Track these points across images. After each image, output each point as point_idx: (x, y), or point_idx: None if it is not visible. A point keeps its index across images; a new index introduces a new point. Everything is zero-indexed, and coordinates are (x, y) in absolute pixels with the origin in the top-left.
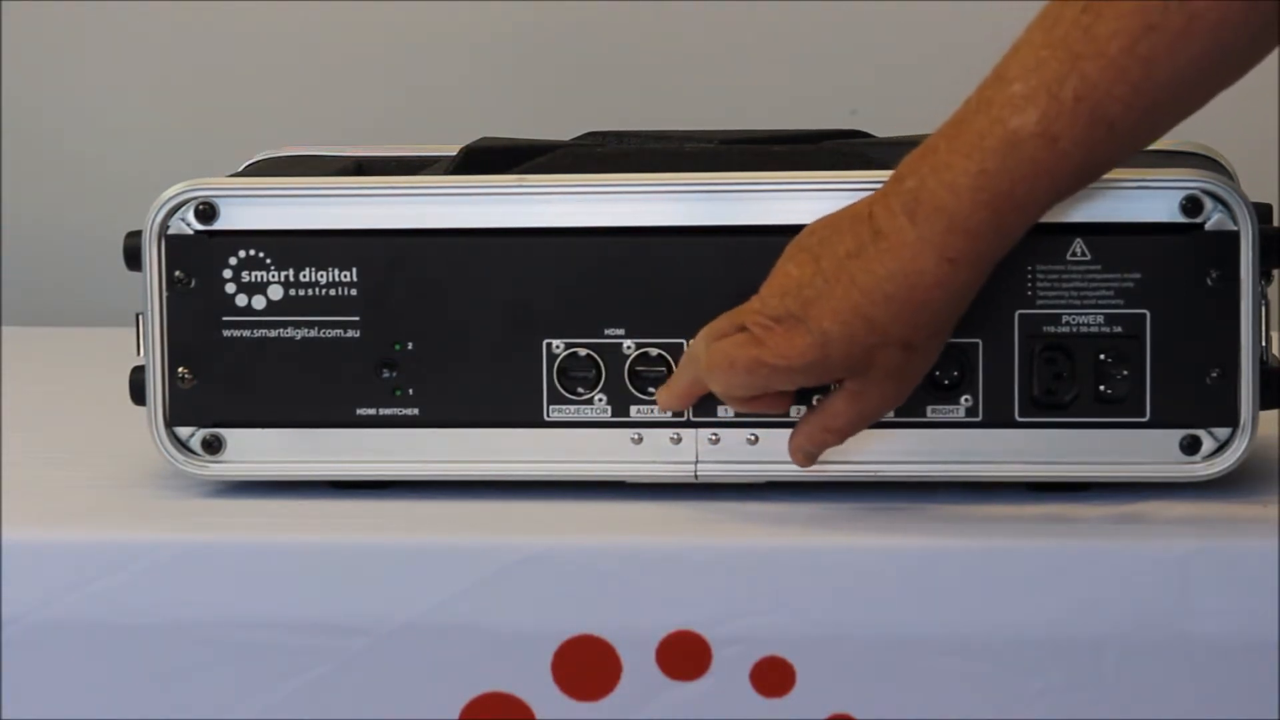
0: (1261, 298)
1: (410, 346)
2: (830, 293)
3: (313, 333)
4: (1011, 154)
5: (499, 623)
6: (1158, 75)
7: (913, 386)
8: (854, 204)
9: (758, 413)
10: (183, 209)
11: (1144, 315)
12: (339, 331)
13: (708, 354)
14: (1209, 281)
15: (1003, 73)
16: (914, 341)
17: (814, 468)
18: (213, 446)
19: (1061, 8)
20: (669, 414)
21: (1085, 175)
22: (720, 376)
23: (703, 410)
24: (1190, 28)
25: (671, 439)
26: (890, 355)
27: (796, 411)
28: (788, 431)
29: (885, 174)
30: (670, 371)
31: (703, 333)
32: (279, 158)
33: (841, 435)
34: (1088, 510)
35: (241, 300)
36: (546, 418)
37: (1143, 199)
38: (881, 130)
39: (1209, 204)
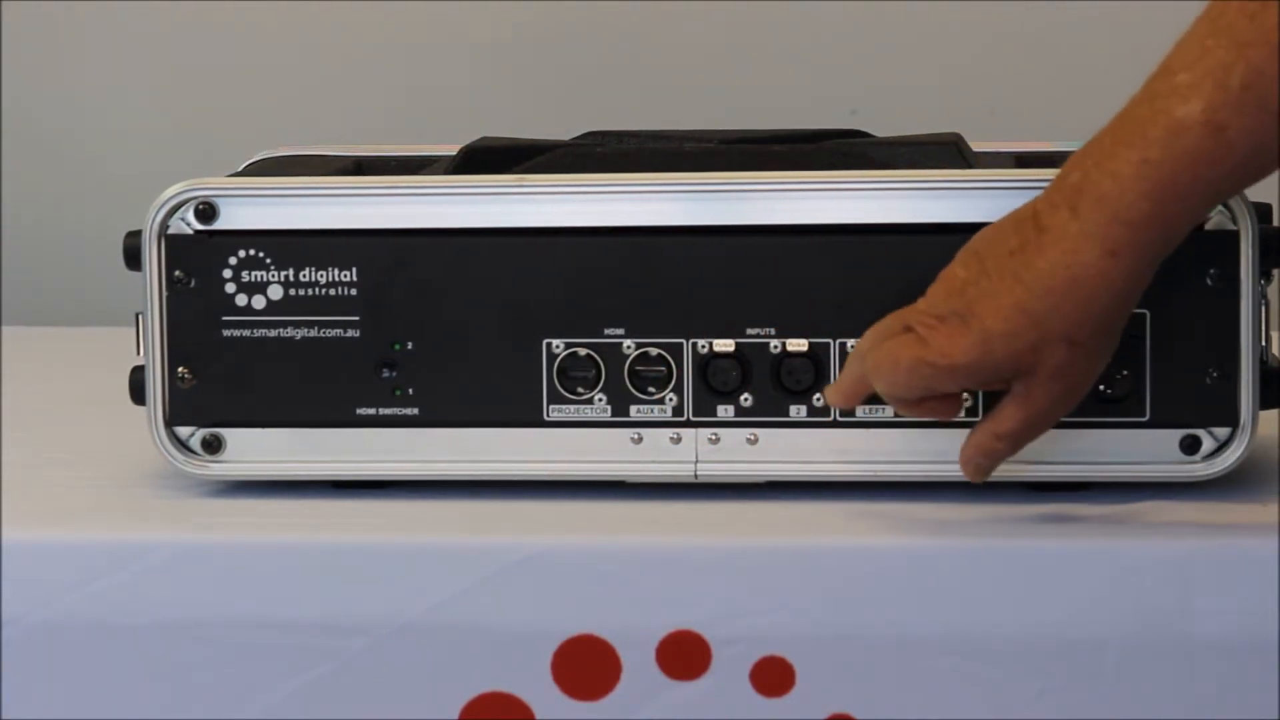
0: (1261, 298)
1: (410, 346)
2: (994, 290)
3: (312, 332)
4: (1175, 143)
5: (499, 623)
6: None
7: (1083, 389)
8: (1021, 206)
9: (926, 416)
10: (183, 209)
11: (1144, 315)
12: (339, 331)
13: (873, 355)
14: (1209, 281)
15: (1169, 65)
16: (1078, 338)
17: (814, 468)
18: (213, 446)
19: (1225, 4)
20: (833, 408)
21: (1251, 167)
22: (885, 376)
23: (703, 410)
24: None
25: (671, 439)
26: (1055, 352)
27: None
28: (787, 431)
29: (885, 173)
30: (670, 371)
31: (870, 331)
32: (279, 158)
33: (1013, 441)
34: (1088, 510)
35: (241, 300)
36: (546, 417)
37: None
38: (881, 130)
39: None
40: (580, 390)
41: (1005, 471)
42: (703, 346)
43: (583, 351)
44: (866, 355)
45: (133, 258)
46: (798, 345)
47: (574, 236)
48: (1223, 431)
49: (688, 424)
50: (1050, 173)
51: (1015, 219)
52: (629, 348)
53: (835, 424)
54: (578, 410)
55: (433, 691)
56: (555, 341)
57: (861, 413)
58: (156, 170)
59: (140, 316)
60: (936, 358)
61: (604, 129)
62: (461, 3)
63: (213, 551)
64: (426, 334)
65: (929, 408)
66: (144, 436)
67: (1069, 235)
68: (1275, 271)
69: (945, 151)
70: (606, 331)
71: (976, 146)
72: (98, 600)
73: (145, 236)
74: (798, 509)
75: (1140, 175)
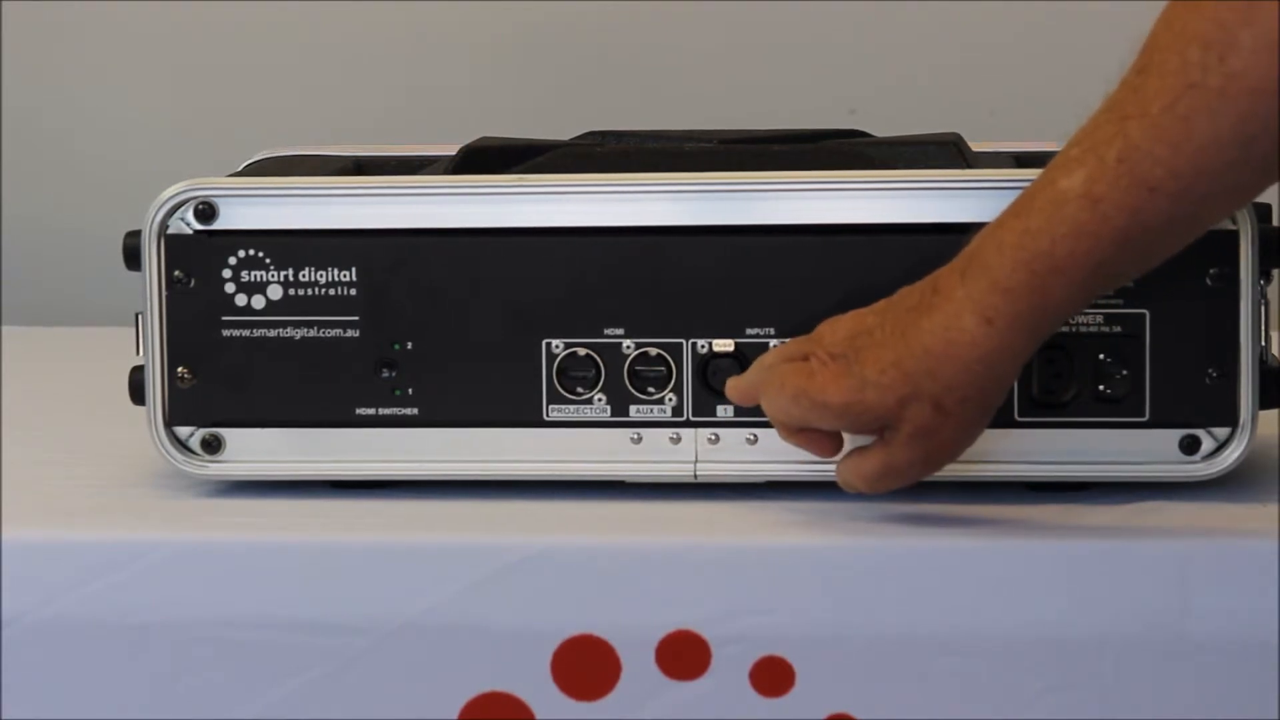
0: (1261, 297)
1: (410, 346)
2: (883, 341)
3: (312, 332)
4: (1056, 213)
5: (499, 623)
6: (1197, 136)
7: (944, 457)
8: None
9: (801, 447)
10: (182, 209)
11: (1143, 315)
12: (338, 331)
13: (766, 373)
14: (1208, 281)
15: (1070, 140)
16: (946, 403)
17: (814, 468)
18: (212, 446)
19: (1125, 77)
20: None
21: (1131, 246)
22: (770, 398)
23: (702, 410)
24: (1228, 88)
25: (671, 439)
26: (920, 413)
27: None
28: None
29: (885, 173)
30: (669, 372)
31: (778, 347)
32: (279, 158)
33: (869, 484)
34: (1088, 510)
35: (241, 300)
36: (546, 417)
37: None
38: (881, 130)
39: None
40: (580, 390)
41: (1005, 471)
42: (702, 346)
43: (582, 351)
44: (765, 369)
45: (133, 258)
46: None
47: (574, 236)
48: (1222, 431)
49: (687, 424)
50: None
51: (925, 279)
52: (629, 348)
53: None
54: (577, 410)
55: (433, 691)
56: (555, 341)
57: None
58: (156, 170)
59: (140, 316)
60: (815, 392)
61: (604, 129)
62: (461, 3)
63: (212, 551)
64: (426, 334)
65: (805, 439)
66: (144, 436)
67: (954, 300)
68: (1275, 271)
69: (945, 151)
70: (606, 331)
71: (976, 146)
72: (97, 600)
73: (145, 236)
74: (798, 509)
75: (1019, 245)
